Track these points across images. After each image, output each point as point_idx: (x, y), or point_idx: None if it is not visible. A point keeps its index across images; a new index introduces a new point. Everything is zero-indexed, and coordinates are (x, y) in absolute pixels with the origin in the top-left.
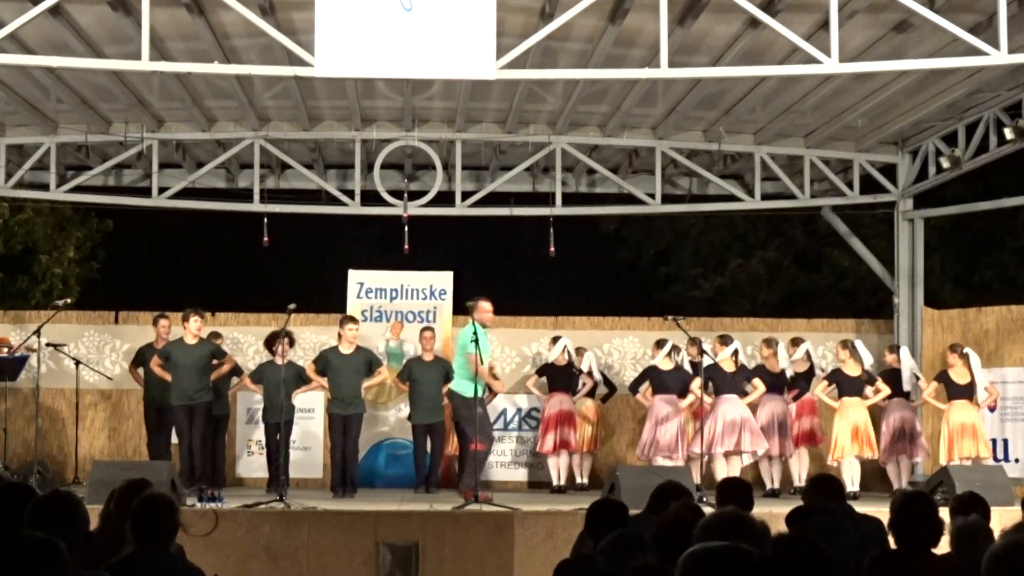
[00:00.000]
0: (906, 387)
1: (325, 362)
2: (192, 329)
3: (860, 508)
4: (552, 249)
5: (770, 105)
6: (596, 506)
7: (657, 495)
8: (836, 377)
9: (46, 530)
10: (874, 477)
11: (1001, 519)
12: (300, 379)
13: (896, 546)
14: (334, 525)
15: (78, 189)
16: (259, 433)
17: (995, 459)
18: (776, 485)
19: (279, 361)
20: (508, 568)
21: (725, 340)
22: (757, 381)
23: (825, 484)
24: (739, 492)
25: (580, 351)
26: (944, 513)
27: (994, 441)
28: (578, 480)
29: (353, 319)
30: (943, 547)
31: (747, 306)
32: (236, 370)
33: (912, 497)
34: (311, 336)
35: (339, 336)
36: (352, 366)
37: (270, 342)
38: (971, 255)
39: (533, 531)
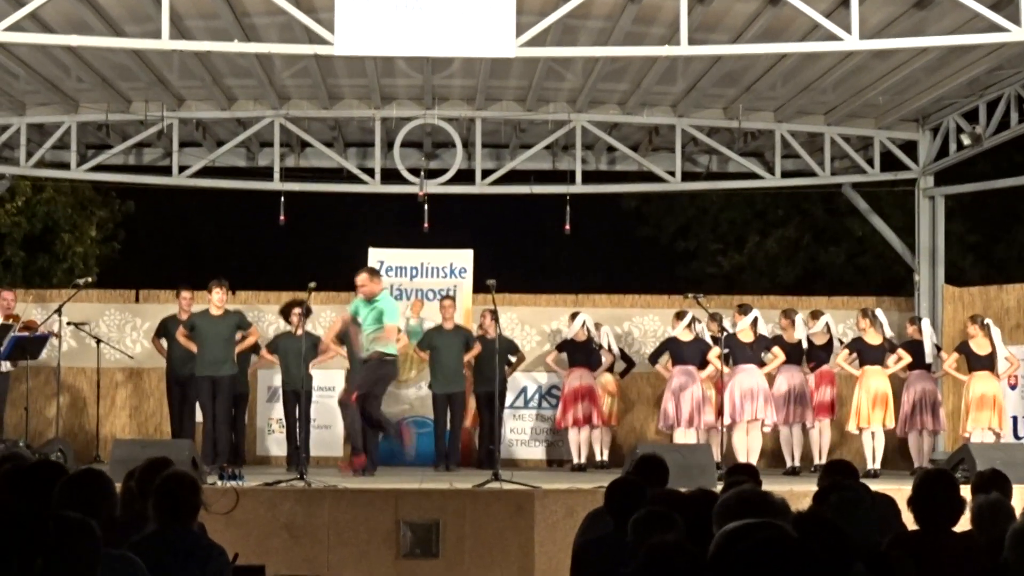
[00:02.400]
0: (928, 359)
1: (345, 331)
2: (216, 300)
3: (881, 485)
4: (567, 227)
5: (790, 82)
6: (616, 485)
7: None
8: (857, 346)
9: (76, 509)
10: (895, 453)
11: (1022, 497)
12: (317, 350)
13: (917, 525)
14: (354, 503)
15: (99, 168)
16: (279, 411)
17: (1016, 436)
18: (796, 462)
19: (296, 332)
20: (528, 546)
21: (744, 309)
22: (777, 350)
23: (840, 466)
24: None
25: (597, 326)
26: (965, 491)
27: (1015, 419)
28: (598, 457)
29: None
30: (964, 524)
31: (766, 283)
32: (257, 347)
33: (933, 476)
34: (331, 315)
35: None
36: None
37: (286, 312)
38: (992, 230)
39: (553, 509)
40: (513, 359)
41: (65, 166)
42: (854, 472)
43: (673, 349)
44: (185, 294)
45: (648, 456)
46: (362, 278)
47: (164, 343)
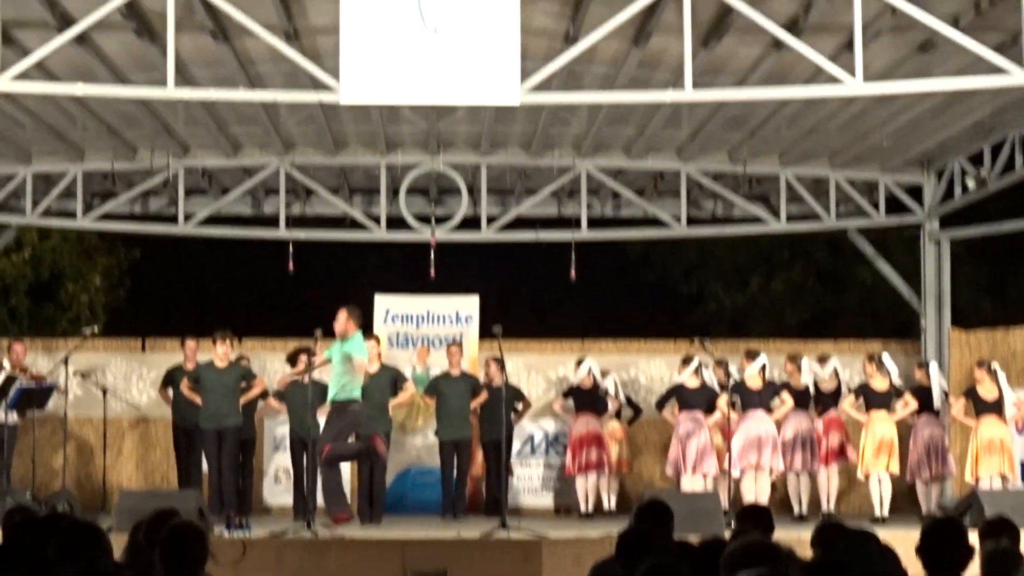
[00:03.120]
0: (936, 404)
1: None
2: (220, 353)
3: (888, 532)
4: (573, 274)
5: (795, 126)
6: (627, 535)
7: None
8: (863, 391)
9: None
10: (904, 498)
11: None
12: (325, 397)
13: (925, 572)
14: (361, 554)
15: (105, 217)
16: (286, 459)
17: None
18: (804, 509)
19: (303, 379)
20: None
21: (752, 355)
22: (785, 395)
23: (752, 513)
24: (759, 518)
25: (604, 373)
26: (973, 537)
27: (1023, 465)
28: (606, 505)
29: (376, 337)
30: (972, 571)
31: (772, 326)
32: (265, 394)
33: (941, 523)
34: None
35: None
36: (378, 384)
37: (293, 359)
38: (1001, 272)
39: (561, 559)
40: (519, 406)
41: (71, 215)
42: (767, 520)
43: (680, 396)
44: (190, 343)
45: (651, 501)
46: (340, 315)
47: (170, 393)
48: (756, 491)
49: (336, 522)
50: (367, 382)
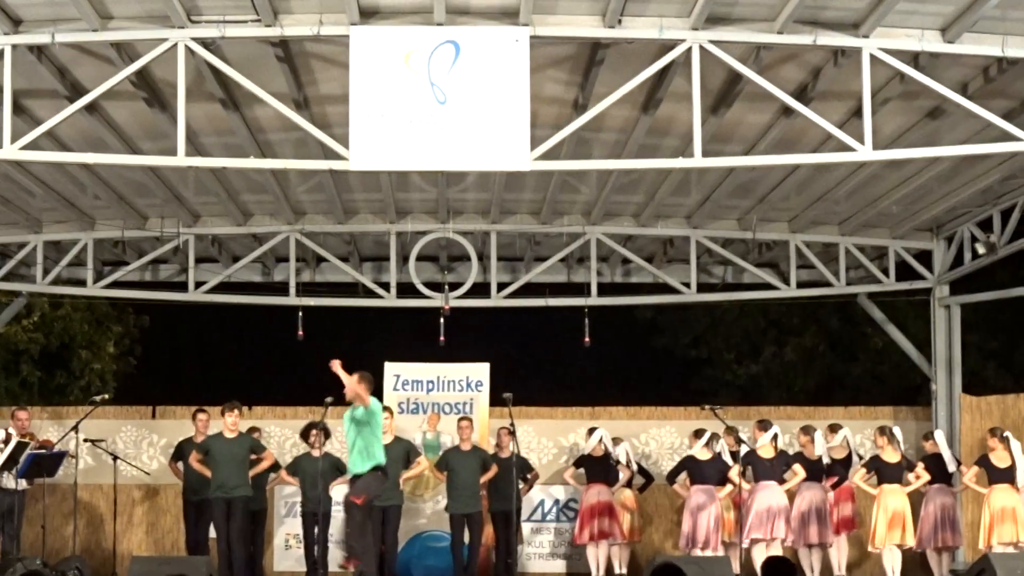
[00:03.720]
0: (951, 468)
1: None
2: (229, 424)
3: None
4: (587, 340)
5: (804, 192)
6: None
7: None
8: (875, 464)
9: None
10: (915, 565)
11: None
12: (337, 470)
13: None
14: None
15: (115, 284)
16: (297, 526)
17: None
18: (817, 575)
19: (315, 453)
20: None
21: (764, 425)
22: (797, 467)
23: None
24: (781, 570)
25: (616, 441)
26: None
27: None
28: (616, 571)
29: (387, 408)
30: None
31: (783, 393)
32: (275, 465)
33: None
34: None
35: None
36: (390, 456)
37: (305, 433)
38: (1012, 338)
39: None
40: (528, 477)
41: (82, 283)
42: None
43: (691, 468)
44: (202, 416)
45: (664, 565)
46: (350, 381)
47: (180, 466)
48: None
49: (348, 567)
50: None
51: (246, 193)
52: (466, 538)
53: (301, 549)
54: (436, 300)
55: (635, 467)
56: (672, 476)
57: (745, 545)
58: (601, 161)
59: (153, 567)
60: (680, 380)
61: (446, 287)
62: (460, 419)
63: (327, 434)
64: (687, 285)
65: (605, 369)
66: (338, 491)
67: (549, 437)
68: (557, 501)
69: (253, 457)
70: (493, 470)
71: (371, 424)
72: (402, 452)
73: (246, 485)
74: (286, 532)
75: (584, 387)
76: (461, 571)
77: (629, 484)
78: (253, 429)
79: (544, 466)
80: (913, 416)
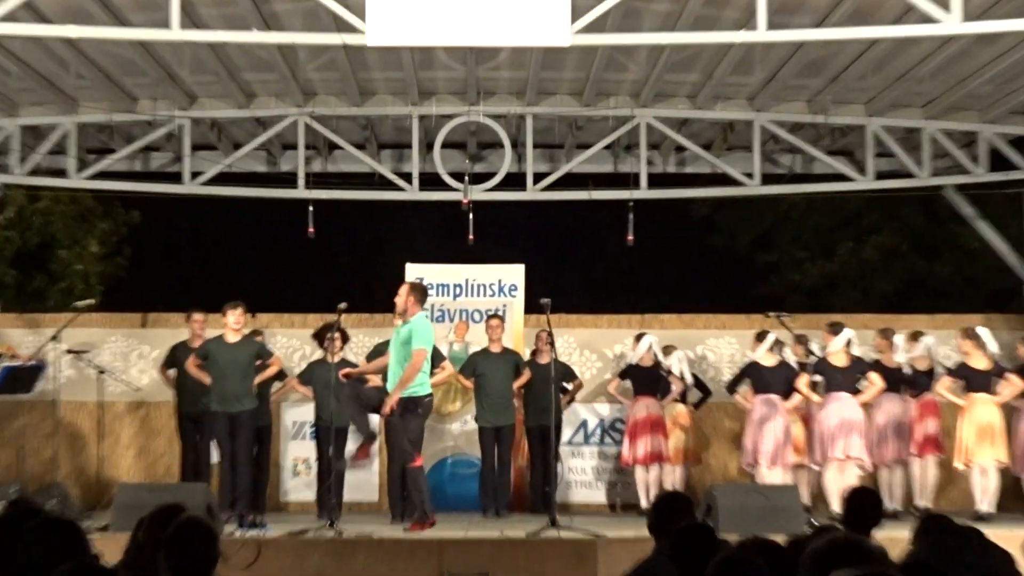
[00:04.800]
0: None
1: (378, 354)
2: (232, 324)
3: (993, 530)
4: (630, 238)
5: (883, 71)
6: (684, 530)
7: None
8: (962, 372)
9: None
10: (1010, 494)
11: None
12: (357, 379)
13: None
14: (392, 555)
15: (101, 175)
16: (306, 449)
17: None
18: (897, 504)
19: (331, 359)
20: None
21: (836, 329)
22: (874, 376)
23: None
24: (866, 504)
25: (668, 350)
26: None
27: None
28: None
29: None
30: None
31: (858, 297)
32: (282, 373)
33: None
34: (364, 340)
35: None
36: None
37: (320, 336)
38: None
39: (619, 560)
40: (569, 387)
41: (63, 173)
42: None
43: (754, 376)
44: (197, 317)
45: (667, 495)
46: (402, 290)
47: (173, 374)
48: (842, 485)
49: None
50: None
51: (249, 71)
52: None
53: (311, 475)
54: (462, 193)
55: (689, 379)
56: (733, 385)
57: (817, 467)
58: (652, 35)
59: (143, 495)
60: (740, 284)
61: (467, 177)
62: (490, 318)
63: (345, 337)
64: (749, 176)
65: (656, 272)
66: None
67: (592, 349)
68: (601, 420)
69: (258, 363)
70: (527, 374)
71: (413, 335)
72: None
73: (251, 396)
74: (294, 456)
75: (632, 292)
76: (490, 498)
77: (683, 399)
78: (256, 333)
79: (587, 382)
80: (1006, 324)
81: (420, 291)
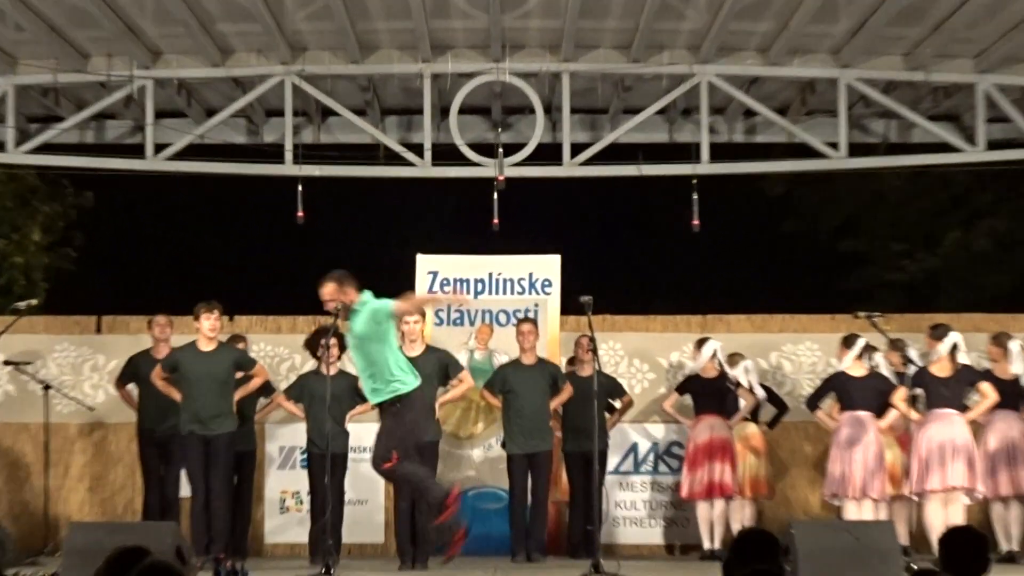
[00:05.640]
0: None
1: None
2: (206, 330)
3: None
4: (696, 222)
5: (996, 18)
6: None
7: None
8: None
9: None
10: None
11: None
12: (357, 394)
13: None
14: None
15: (45, 148)
16: (296, 480)
17: None
18: (1015, 544)
19: (325, 370)
20: None
21: (940, 333)
22: (986, 387)
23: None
24: (968, 547)
25: (735, 359)
26: None
27: None
28: None
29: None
30: None
31: (968, 296)
32: (267, 388)
33: None
34: None
35: (401, 335)
36: (421, 372)
37: (313, 344)
38: None
39: None
40: (617, 404)
41: (0, 146)
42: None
43: (840, 389)
44: (160, 320)
45: (750, 533)
46: (328, 289)
47: (134, 389)
48: (946, 520)
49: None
50: None
51: (224, 21)
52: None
53: (304, 511)
54: (487, 168)
55: (761, 393)
56: (814, 400)
57: (917, 499)
58: None
59: (100, 536)
60: (823, 278)
61: (500, 150)
62: (520, 323)
63: (343, 345)
64: (834, 146)
65: (720, 264)
66: (356, 430)
67: (644, 357)
68: (655, 444)
69: (239, 375)
70: (567, 391)
71: (377, 331)
72: (436, 366)
73: (230, 416)
74: (281, 488)
75: (692, 289)
76: (521, 539)
77: (754, 417)
78: (237, 338)
79: (637, 396)
80: None
81: (348, 277)
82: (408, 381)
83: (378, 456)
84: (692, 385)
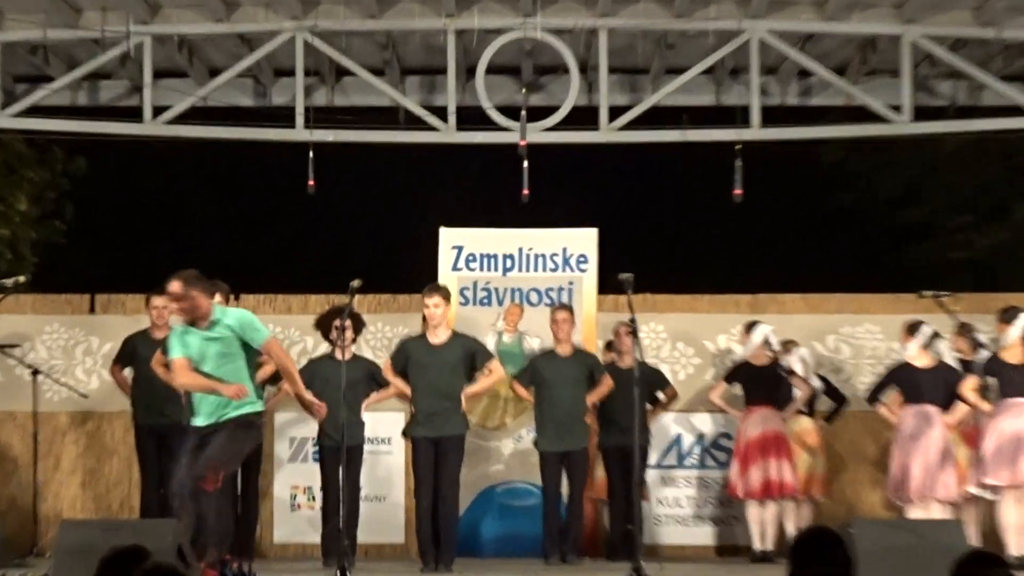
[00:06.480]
0: None
1: (405, 357)
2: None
3: None
4: (739, 191)
5: None
6: None
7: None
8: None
9: None
10: None
11: None
12: (374, 381)
13: None
14: None
15: (33, 111)
16: (308, 475)
17: None
18: None
19: (340, 355)
20: None
21: (1010, 315)
22: None
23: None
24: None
25: (789, 345)
26: None
27: None
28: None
29: (441, 289)
30: None
31: None
32: (277, 375)
33: None
34: (384, 329)
35: (424, 319)
36: (445, 361)
37: (325, 325)
38: None
39: None
40: (661, 397)
41: None
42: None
43: (905, 382)
44: (158, 302)
45: (814, 532)
46: (174, 287)
47: (130, 374)
48: (1020, 521)
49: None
50: (428, 358)
51: None
52: (564, 487)
53: (316, 508)
54: (516, 133)
55: (817, 383)
56: (876, 393)
57: (991, 497)
58: None
59: (93, 535)
60: (884, 254)
61: (523, 112)
62: (555, 310)
63: (359, 325)
64: (896, 109)
65: (772, 238)
66: (372, 419)
67: (688, 341)
68: (701, 436)
69: None
70: (606, 384)
71: (233, 347)
72: (463, 356)
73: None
74: (292, 484)
75: (741, 266)
76: (555, 540)
77: (810, 409)
78: None
79: (681, 383)
80: None
81: (196, 279)
82: (258, 403)
83: (198, 471)
84: (742, 374)
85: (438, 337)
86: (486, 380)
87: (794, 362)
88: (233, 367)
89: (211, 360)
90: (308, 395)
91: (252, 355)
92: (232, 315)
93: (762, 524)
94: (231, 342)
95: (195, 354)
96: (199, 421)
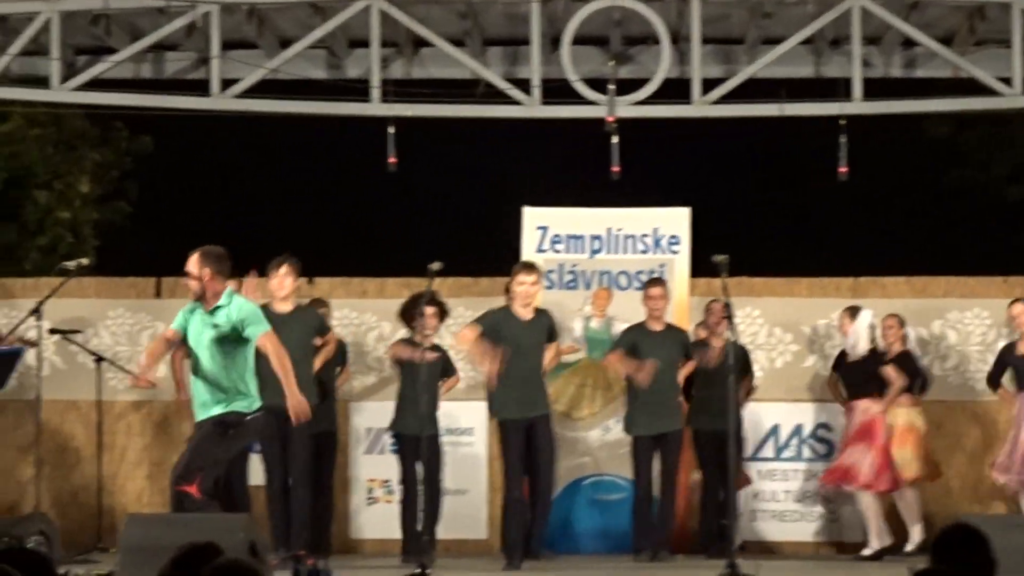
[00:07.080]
0: None
1: (496, 330)
2: (283, 288)
3: None
4: (843, 169)
5: None
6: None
7: None
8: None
9: None
10: None
11: None
12: (447, 368)
13: None
14: None
15: (95, 84)
16: (386, 467)
17: None
18: None
19: (422, 342)
20: None
21: None
22: None
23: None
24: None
25: (854, 311)
26: None
27: None
28: (910, 538)
29: (536, 267)
30: None
31: None
32: (342, 355)
33: None
34: (466, 313)
35: (509, 296)
36: (536, 339)
37: (408, 312)
38: None
39: None
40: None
41: (43, 82)
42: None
43: (1017, 365)
44: (250, 283)
45: (956, 528)
46: (191, 260)
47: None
48: None
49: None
50: (520, 334)
51: None
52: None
53: (394, 502)
54: (604, 107)
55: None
56: (996, 378)
57: None
58: None
59: (161, 531)
60: (995, 234)
61: (612, 86)
62: (647, 285)
63: (443, 312)
64: (1007, 82)
65: (874, 218)
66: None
67: (786, 326)
68: (799, 425)
69: (318, 342)
70: (693, 362)
71: (241, 339)
72: (542, 332)
73: (310, 387)
74: (368, 477)
75: (841, 247)
76: (645, 535)
77: (911, 394)
78: (318, 303)
79: (779, 370)
80: None
81: (215, 258)
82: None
83: (178, 471)
84: (842, 365)
85: (526, 315)
86: (550, 353)
87: (860, 333)
88: (229, 355)
89: (207, 345)
90: (299, 396)
91: (252, 347)
92: (236, 304)
93: (879, 518)
94: (228, 330)
95: (192, 334)
96: (196, 415)
